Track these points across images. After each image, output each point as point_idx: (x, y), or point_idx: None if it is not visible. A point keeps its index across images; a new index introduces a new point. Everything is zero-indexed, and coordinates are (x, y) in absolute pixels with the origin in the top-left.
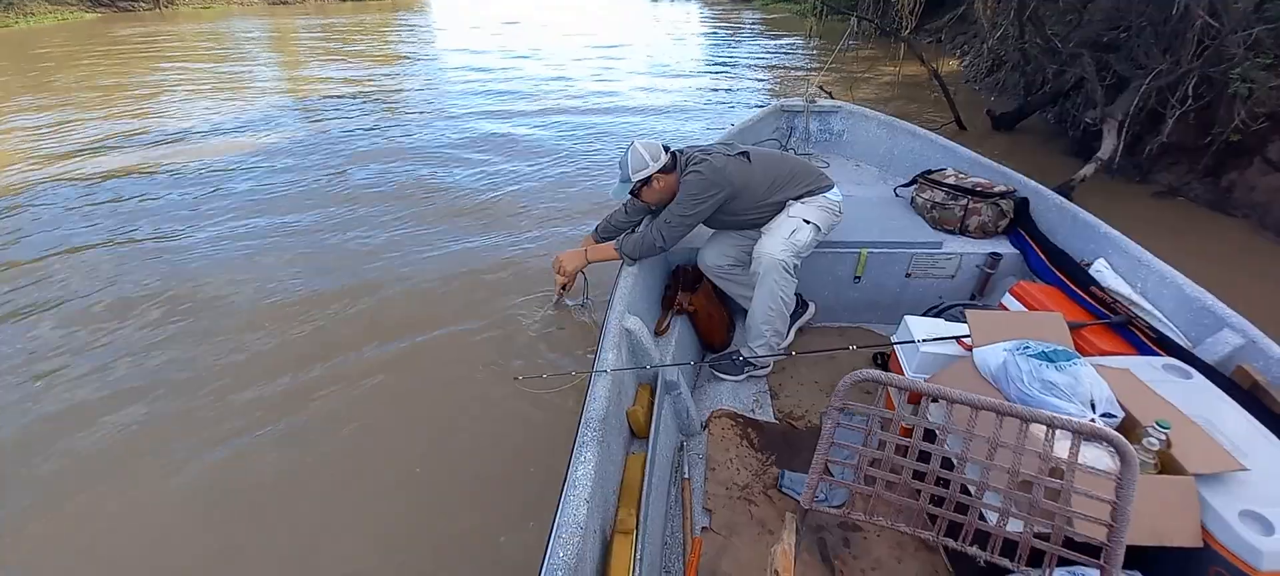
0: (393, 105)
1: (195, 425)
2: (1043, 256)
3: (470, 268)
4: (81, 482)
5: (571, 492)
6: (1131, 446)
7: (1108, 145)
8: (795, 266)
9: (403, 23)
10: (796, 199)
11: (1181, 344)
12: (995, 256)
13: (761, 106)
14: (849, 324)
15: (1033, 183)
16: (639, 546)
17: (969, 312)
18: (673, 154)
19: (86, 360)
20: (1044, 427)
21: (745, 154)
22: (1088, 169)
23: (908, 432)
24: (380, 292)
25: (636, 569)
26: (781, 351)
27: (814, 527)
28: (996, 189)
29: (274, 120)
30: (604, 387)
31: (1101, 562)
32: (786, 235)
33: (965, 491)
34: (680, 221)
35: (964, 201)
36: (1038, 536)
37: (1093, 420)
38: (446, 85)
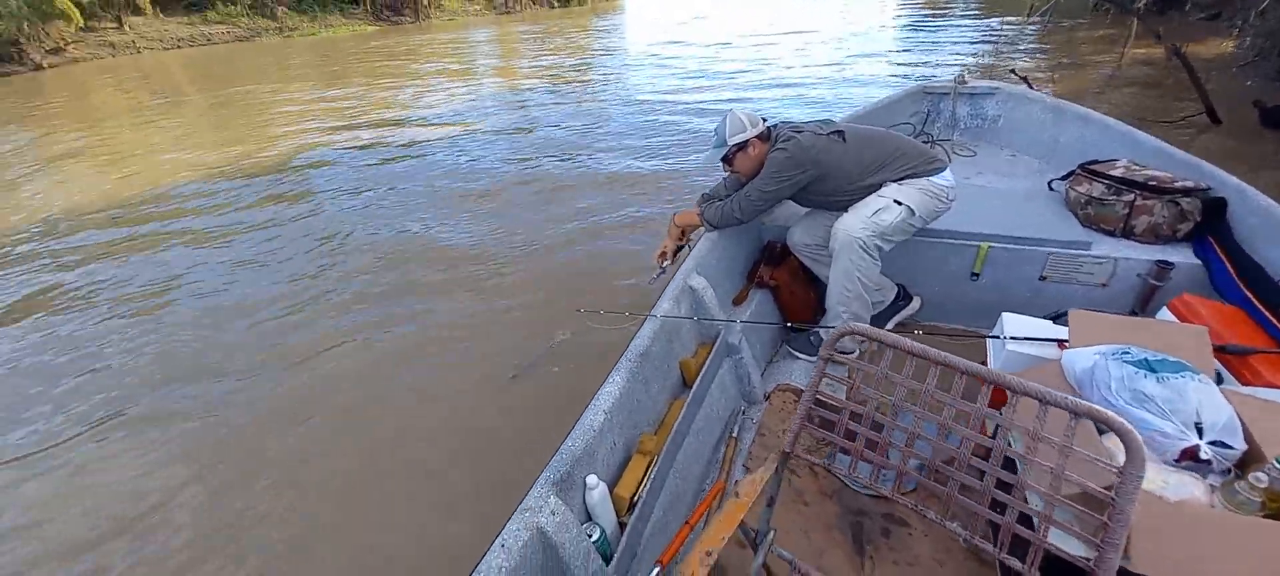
0: (582, 94)
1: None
2: (1232, 270)
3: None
4: None
5: (595, 403)
6: (1141, 441)
7: None
8: (877, 248)
9: (599, 26)
10: (895, 181)
11: None
12: (1164, 266)
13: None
14: (962, 326)
15: (1236, 181)
16: (654, 470)
17: (1072, 312)
18: (769, 127)
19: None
20: (1052, 409)
21: (840, 133)
22: None
23: (984, 431)
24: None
25: (645, 488)
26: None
27: (854, 510)
28: (1178, 184)
29: (485, 108)
30: (651, 328)
31: (1092, 565)
32: (869, 214)
33: (1004, 487)
34: (760, 197)
35: (1130, 197)
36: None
37: (1197, 446)
38: (630, 77)
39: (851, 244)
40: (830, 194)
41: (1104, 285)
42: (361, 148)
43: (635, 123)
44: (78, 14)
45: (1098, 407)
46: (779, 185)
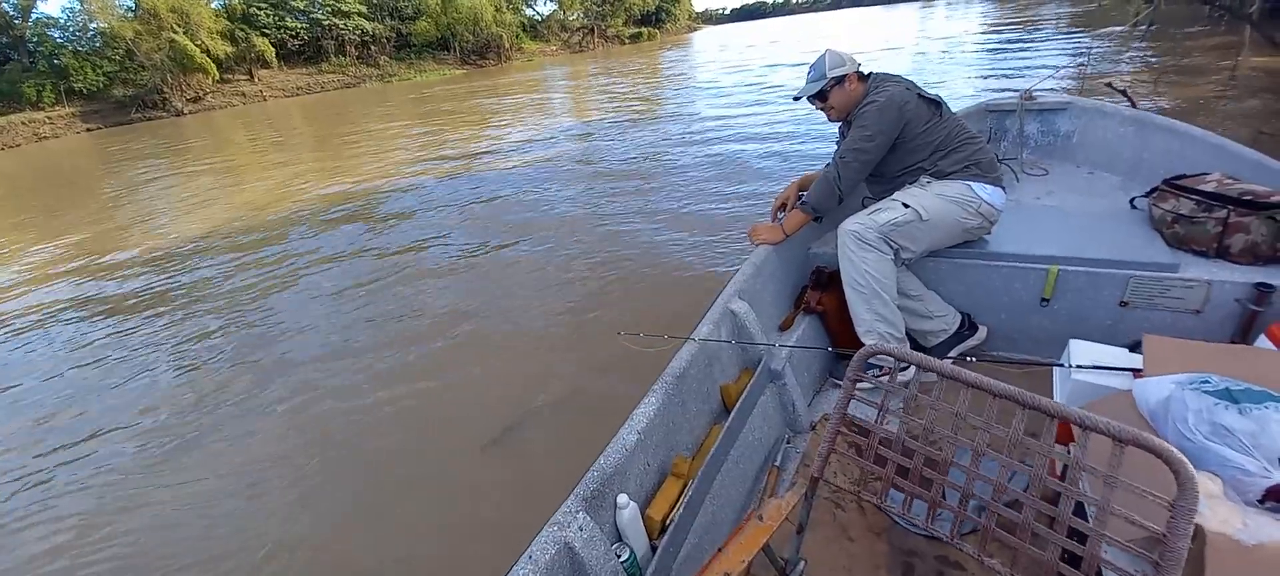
0: (641, 125)
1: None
2: None
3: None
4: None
5: (629, 422)
6: (1192, 471)
7: None
8: (882, 243)
9: (667, 59)
10: (934, 175)
11: None
12: (1265, 289)
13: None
14: (1034, 358)
15: None
16: (689, 493)
17: (1147, 337)
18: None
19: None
20: (1129, 448)
21: (939, 103)
22: None
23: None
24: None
25: (678, 512)
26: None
27: (904, 550)
28: (1278, 199)
29: (555, 140)
30: (690, 352)
31: None
32: (868, 211)
33: (1076, 535)
34: (856, 157)
35: (1222, 214)
36: None
37: None
38: (689, 106)
39: (845, 235)
40: (892, 168)
41: (1197, 311)
42: (442, 176)
43: (692, 150)
44: (214, 68)
45: (1141, 434)
46: (873, 137)
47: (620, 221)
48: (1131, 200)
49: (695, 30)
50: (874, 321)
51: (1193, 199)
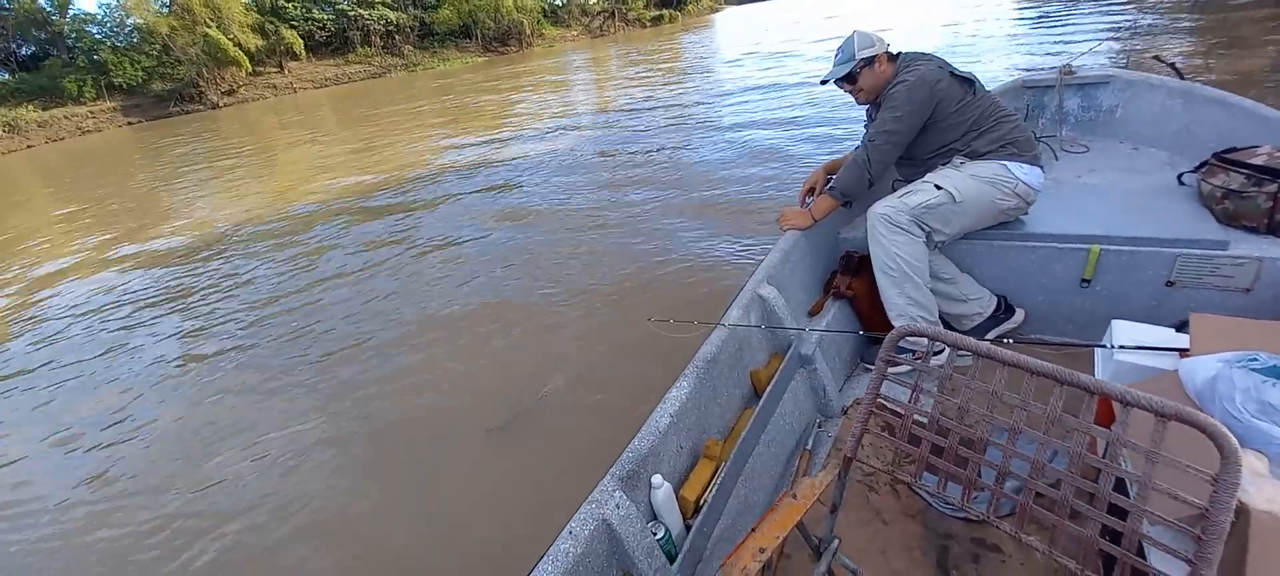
0: (668, 110)
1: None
2: None
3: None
4: None
5: (662, 405)
6: (1236, 444)
7: None
8: (912, 226)
9: (689, 43)
10: (968, 155)
11: None
12: None
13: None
14: (1074, 341)
15: None
16: (721, 475)
17: (1194, 316)
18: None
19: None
20: (1172, 424)
21: (972, 81)
22: None
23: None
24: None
25: (711, 493)
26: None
27: (940, 532)
28: None
29: (579, 123)
30: (719, 337)
31: None
32: (898, 194)
33: (1117, 513)
34: (886, 139)
35: (1273, 188)
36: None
37: None
38: (715, 96)
39: (875, 218)
40: (923, 150)
41: (1247, 290)
42: (467, 164)
43: (716, 133)
44: (247, 61)
45: (1184, 408)
46: (903, 118)
47: (646, 206)
48: (1180, 176)
49: (717, 11)
50: (906, 305)
51: (1243, 172)
